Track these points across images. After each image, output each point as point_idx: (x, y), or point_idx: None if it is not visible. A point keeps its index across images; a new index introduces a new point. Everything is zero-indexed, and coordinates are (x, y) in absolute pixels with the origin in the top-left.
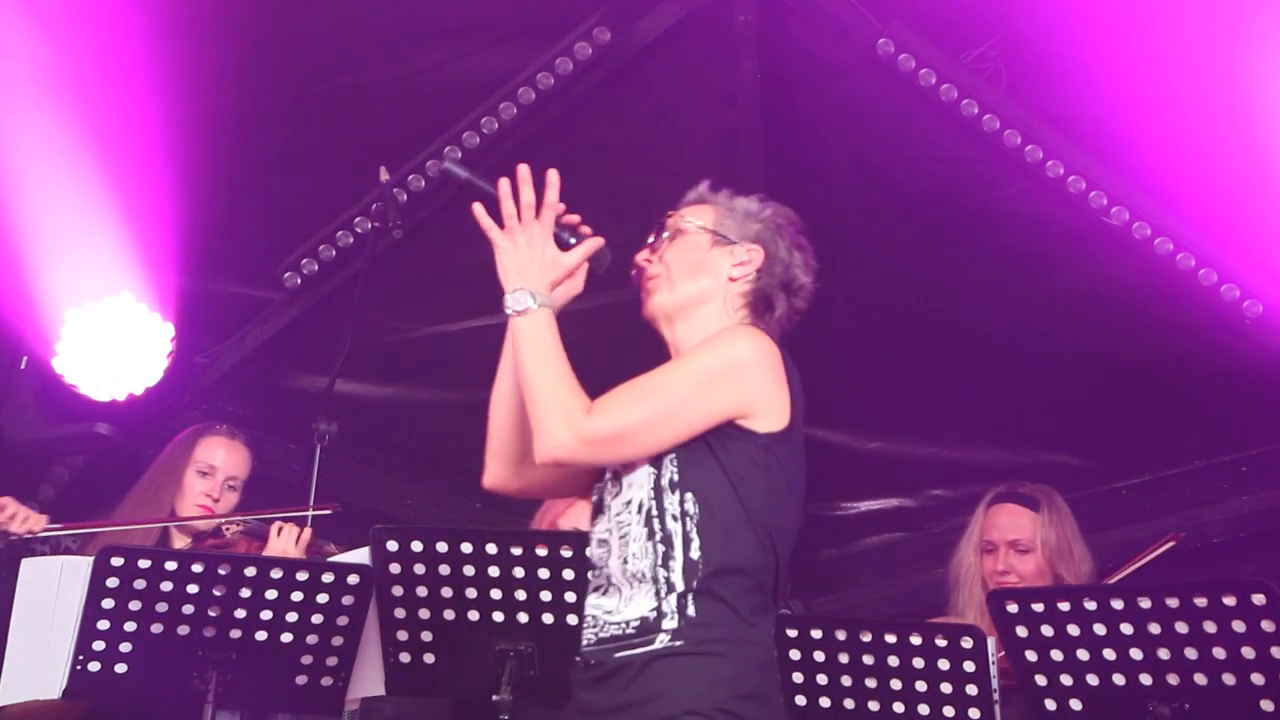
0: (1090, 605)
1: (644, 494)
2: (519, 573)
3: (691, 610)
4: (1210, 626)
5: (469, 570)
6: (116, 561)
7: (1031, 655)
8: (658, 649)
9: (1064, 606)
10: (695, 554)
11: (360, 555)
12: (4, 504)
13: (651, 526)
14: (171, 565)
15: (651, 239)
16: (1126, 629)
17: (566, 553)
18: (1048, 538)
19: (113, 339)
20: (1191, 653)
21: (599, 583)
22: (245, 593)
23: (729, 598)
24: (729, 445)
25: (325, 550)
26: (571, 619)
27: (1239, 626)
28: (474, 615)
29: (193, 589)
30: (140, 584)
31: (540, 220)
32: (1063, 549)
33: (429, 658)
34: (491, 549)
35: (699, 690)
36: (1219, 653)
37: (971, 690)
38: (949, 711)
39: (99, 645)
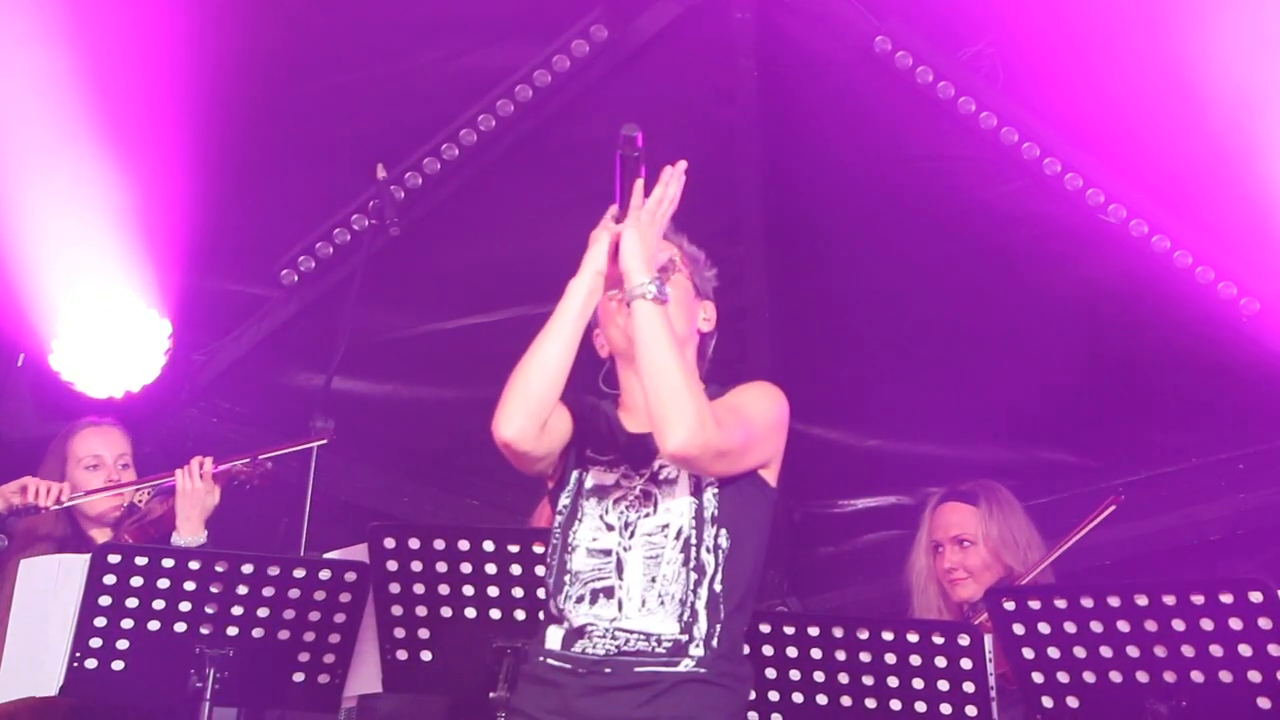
0: (1087, 603)
1: (684, 522)
2: (516, 570)
3: (715, 641)
4: (1207, 624)
5: (466, 568)
6: (113, 559)
7: (1028, 653)
8: (683, 671)
9: (1060, 604)
10: (718, 587)
11: (357, 552)
12: (25, 484)
13: (688, 554)
14: (169, 563)
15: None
16: (1123, 626)
17: None
18: (989, 530)
19: (109, 336)
20: (1188, 650)
21: (581, 592)
22: (242, 590)
23: (737, 634)
24: (752, 492)
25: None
26: None
27: (1236, 624)
28: (471, 613)
29: (190, 586)
30: (137, 581)
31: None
32: (1006, 539)
33: (426, 655)
34: (489, 546)
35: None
36: (1216, 650)
37: (968, 688)
38: (946, 709)
39: (96, 643)
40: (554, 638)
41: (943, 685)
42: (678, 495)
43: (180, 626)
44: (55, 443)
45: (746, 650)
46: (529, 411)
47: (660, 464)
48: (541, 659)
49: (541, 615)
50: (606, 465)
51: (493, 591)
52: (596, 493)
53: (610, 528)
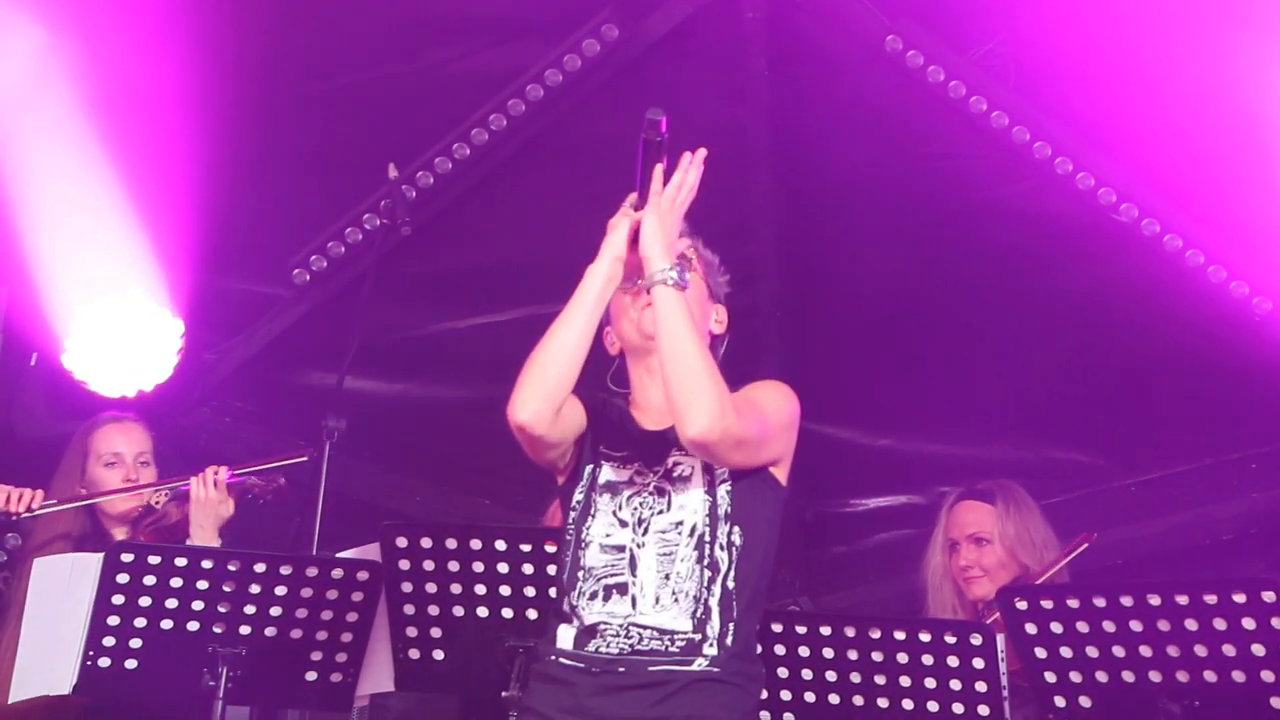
0: (1099, 602)
1: (699, 519)
2: (528, 569)
3: (729, 639)
4: (1220, 624)
5: (478, 567)
6: (127, 558)
7: (1041, 652)
8: (697, 670)
9: (1073, 603)
10: (731, 584)
11: (370, 551)
12: None
13: (703, 551)
14: (182, 562)
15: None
16: (1136, 626)
17: None
18: (1006, 529)
19: (122, 335)
20: (1201, 650)
21: (595, 588)
22: (255, 589)
23: (749, 633)
24: (764, 490)
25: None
26: None
27: (1249, 624)
28: (483, 612)
29: (203, 585)
30: (150, 580)
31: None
32: (1023, 539)
33: (438, 654)
34: (501, 545)
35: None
36: (1229, 650)
37: (981, 687)
38: (958, 708)
39: (109, 641)
40: (565, 637)
41: (955, 685)
42: (691, 492)
43: (193, 625)
44: (77, 437)
45: (758, 650)
46: (545, 395)
47: (674, 461)
48: (553, 658)
49: (552, 614)
50: (620, 461)
51: (505, 591)
52: (610, 488)
53: (624, 524)
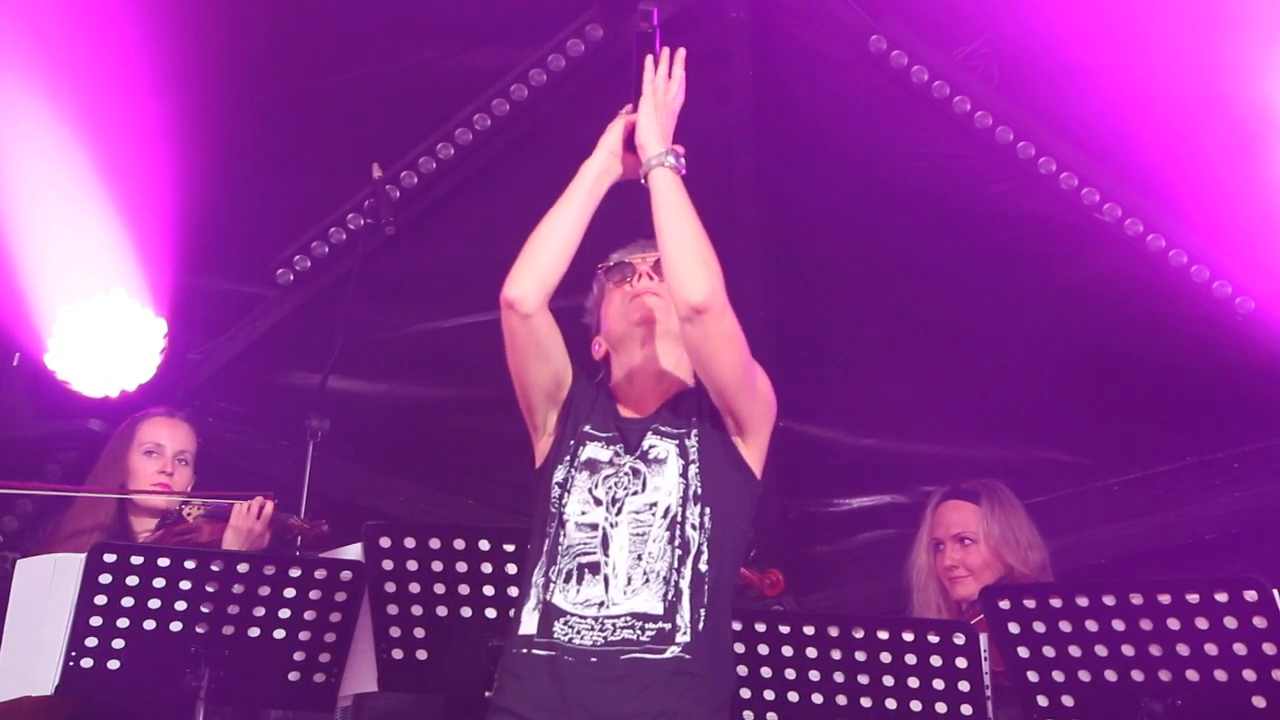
0: (1082, 601)
1: (672, 501)
2: (511, 569)
3: (701, 625)
4: (1202, 623)
5: (462, 567)
6: (109, 558)
7: (1024, 651)
8: (669, 658)
9: (1056, 603)
10: (703, 566)
11: (353, 551)
12: None
13: (674, 532)
14: (164, 562)
15: (651, 266)
16: (1119, 625)
17: None
18: (991, 529)
19: (105, 336)
20: (1183, 649)
21: (570, 566)
22: (238, 589)
23: (721, 623)
24: (736, 477)
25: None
26: None
27: (1231, 623)
28: (466, 612)
29: (185, 585)
30: (133, 581)
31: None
32: (1007, 538)
33: (422, 654)
34: (484, 545)
35: (705, 714)
36: (1211, 649)
37: (964, 686)
38: (941, 708)
39: (92, 642)
40: (530, 622)
41: (938, 684)
42: (666, 474)
43: (176, 626)
44: (125, 425)
45: (741, 649)
46: (533, 275)
47: (650, 444)
48: (523, 650)
49: (522, 596)
50: (604, 441)
51: (488, 590)
52: (589, 466)
53: (598, 502)
